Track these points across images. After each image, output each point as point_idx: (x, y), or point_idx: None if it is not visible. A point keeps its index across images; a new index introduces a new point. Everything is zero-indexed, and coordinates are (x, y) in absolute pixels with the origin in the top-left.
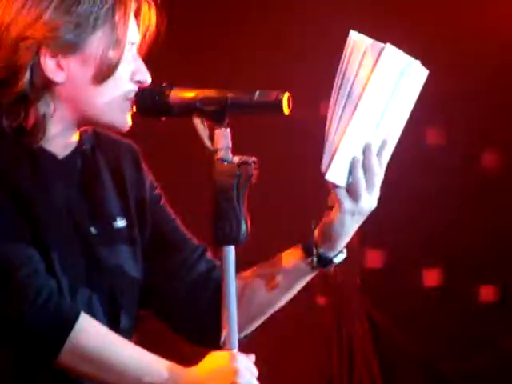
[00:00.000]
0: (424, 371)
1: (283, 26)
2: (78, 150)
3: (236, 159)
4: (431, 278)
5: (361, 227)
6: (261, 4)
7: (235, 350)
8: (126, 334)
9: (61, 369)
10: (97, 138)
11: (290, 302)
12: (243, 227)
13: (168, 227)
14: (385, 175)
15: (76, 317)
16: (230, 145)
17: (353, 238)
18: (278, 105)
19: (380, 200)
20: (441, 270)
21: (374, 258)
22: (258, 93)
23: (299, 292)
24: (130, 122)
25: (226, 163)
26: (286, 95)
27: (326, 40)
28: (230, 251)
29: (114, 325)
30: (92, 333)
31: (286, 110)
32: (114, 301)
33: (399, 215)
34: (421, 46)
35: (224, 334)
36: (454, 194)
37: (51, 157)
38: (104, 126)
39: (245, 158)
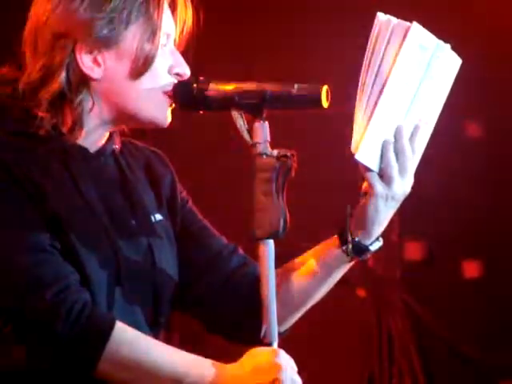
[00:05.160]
0: (464, 363)
1: (308, 25)
2: (108, 147)
3: (275, 152)
4: (471, 269)
5: (400, 220)
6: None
7: (275, 343)
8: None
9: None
10: (124, 145)
11: (330, 294)
12: (282, 221)
13: (196, 226)
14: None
15: (111, 327)
16: (269, 138)
17: (392, 231)
18: (317, 98)
19: (418, 191)
20: (481, 262)
21: (413, 251)
22: (296, 86)
23: (339, 285)
24: (169, 118)
25: (265, 156)
26: (325, 88)
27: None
28: (270, 245)
29: (154, 322)
30: (129, 341)
31: (325, 104)
32: (156, 297)
33: (438, 206)
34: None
35: (264, 327)
36: (495, 184)
37: (83, 150)
38: (143, 123)
39: (284, 151)
